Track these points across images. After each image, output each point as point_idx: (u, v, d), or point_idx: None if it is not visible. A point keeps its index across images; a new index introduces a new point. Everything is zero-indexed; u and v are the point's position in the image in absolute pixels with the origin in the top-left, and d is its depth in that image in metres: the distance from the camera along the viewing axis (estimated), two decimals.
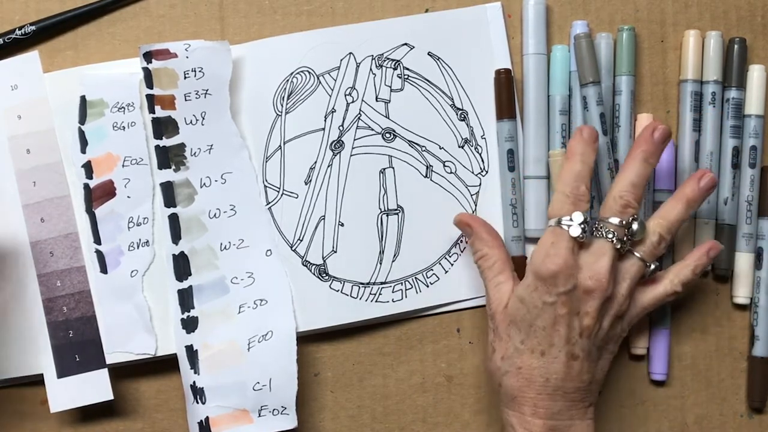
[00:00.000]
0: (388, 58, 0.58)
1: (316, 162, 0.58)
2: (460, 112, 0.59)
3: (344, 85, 0.58)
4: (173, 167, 0.56)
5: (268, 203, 0.58)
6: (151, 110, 0.56)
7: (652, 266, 0.52)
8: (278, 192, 0.58)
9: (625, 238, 0.51)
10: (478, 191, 0.59)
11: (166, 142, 0.56)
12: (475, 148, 0.59)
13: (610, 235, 0.50)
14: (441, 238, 0.58)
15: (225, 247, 0.56)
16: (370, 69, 0.58)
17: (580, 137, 0.53)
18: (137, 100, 0.56)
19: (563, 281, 0.49)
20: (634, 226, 0.51)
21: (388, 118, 0.58)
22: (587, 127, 0.53)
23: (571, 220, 0.50)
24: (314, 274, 0.57)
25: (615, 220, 0.51)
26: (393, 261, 0.58)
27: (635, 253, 0.52)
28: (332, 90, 0.58)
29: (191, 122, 0.56)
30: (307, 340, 0.57)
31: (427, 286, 0.58)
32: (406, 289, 0.58)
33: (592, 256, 0.50)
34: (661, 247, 0.52)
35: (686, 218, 0.53)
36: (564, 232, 0.50)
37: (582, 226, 0.50)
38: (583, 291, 0.50)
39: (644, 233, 0.52)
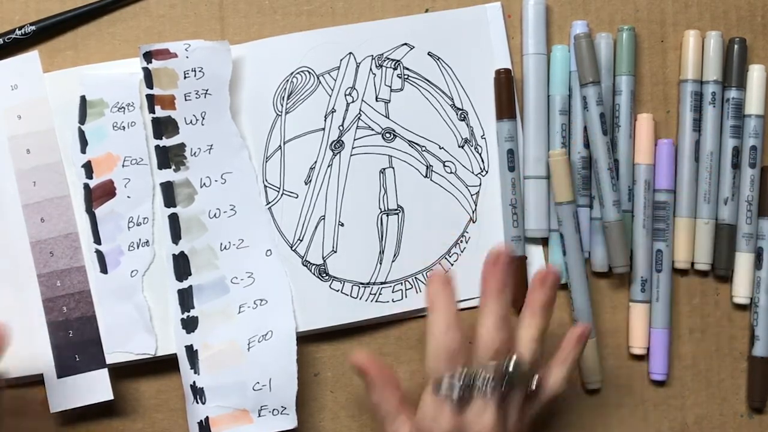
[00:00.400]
0: (388, 58, 0.58)
1: (316, 162, 0.58)
2: (460, 112, 0.59)
3: (344, 85, 0.58)
4: (173, 167, 0.56)
5: (268, 203, 0.58)
6: (151, 110, 0.56)
7: (534, 381, 0.49)
8: (278, 192, 0.58)
9: (504, 381, 0.48)
10: (478, 191, 0.59)
11: (166, 142, 0.56)
12: (475, 148, 0.59)
13: (490, 388, 0.47)
14: (441, 238, 0.58)
15: (225, 247, 0.56)
16: (370, 69, 0.58)
17: (433, 283, 0.50)
18: (137, 100, 0.56)
19: None
20: (511, 366, 0.48)
21: (388, 118, 0.58)
22: (436, 274, 0.51)
23: (450, 381, 0.47)
24: (314, 274, 0.57)
25: (491, 366, 0.48)
26: (393, 261, 0.58)
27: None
28: (332, 90, 0.58)
29: (191, 122, 0.56)
30: (307, 340, 0.57)
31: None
32: (406, 289, 0.58)
33: (476, 413, 0.47)
34: (537, 360, 0.50)
35: (549, 321, 0.51)
36: (443, 401, 0.47)
37: (460, 385, 0.47)
38: None
39: (524, 366, 0.48)
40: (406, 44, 0.59)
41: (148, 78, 0.56)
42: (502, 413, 0.48)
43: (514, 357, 0.48)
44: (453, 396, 0.47)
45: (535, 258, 0.59)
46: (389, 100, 0.58)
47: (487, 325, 0.49)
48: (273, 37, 0.58)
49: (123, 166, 0.56)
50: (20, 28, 0.57)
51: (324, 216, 0.57)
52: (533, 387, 0.49)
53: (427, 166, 0.58)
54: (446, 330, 0.48)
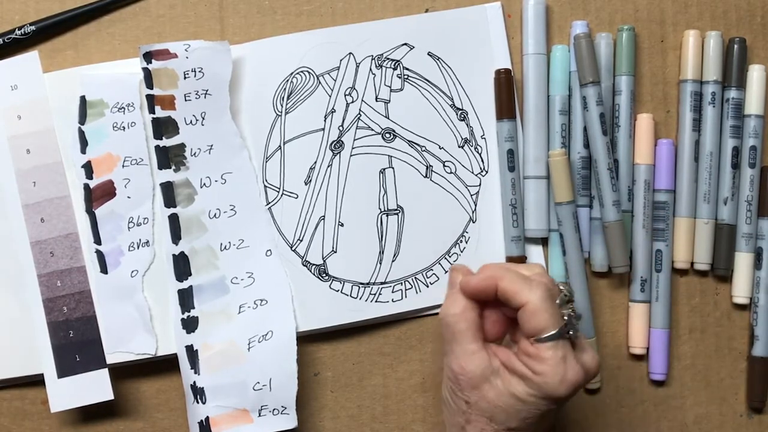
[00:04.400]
0: (387, 58, 0.58)
1: (315, 162, 0.58)
2: (460, 112, 0.59)
3: (344, 85, 0.58)
4: (173, 167, 0.56)
5: (268, 203, 0.58)
6: (151, 110, 0.56)
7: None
8: (278, 192, 0.58)
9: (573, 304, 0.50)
10: (478, 191, 0.59)
11: (166, 142, 0.56)
12: (475, 148, 0.59)
13: (579, 315, 0.50)
14: (441, 238, 0.58)
15: (225, 247, 0.56)
16: (370, 69, 0.58)
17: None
18: (137, 100, 0.56)
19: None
20: (567, 291, 0.50)
21: (388, 118, 0.58)
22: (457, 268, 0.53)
23: (565, 326, 0.48)
24: (314, 274, 0.57)
25: (560, 299, 0.49)
26: (393, 261, 0.58)
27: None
28: (332, 90, 0.58)
29: (191, 122, 0.56)
30: (307, 340, 0.58)
31: (427, 286, 0.58)
32: (406, 289, 0.58)
33: (579, 348, 0.49)
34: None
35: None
36: (563, 345, 0.48)
37: (573, 324, 0.49)
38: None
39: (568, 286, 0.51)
40: (406, 44, 0.59)
41: (148, 78, 0.56)
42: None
43: (561, 285, 0.50)
44: (576, 334, 0.48)
45: (535, 258, 0.59)
46: (389, 100, 0.58)
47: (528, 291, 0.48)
48: (273, 37, 0.58)
49: (123, 166, 0.56)
50: (20, 28, 0.57)
51: (324, 216, 0.57)
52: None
53: (427, 166, 0.58)
54: (547, 290, 0.48)
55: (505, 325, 0.51)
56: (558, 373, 0.47)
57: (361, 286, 0.57)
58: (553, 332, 0.47)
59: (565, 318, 0.48)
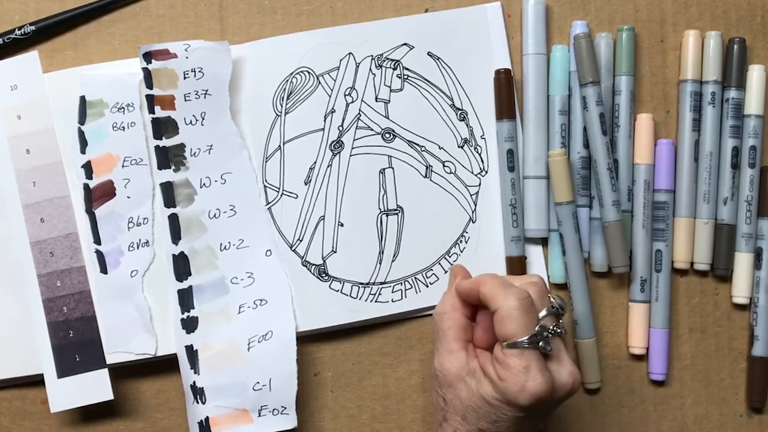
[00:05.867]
0: (387, 58, 0.58)
1: (315, 162, 0.58)
2: (460, 112, 0.59)
3: (344, 85, 0.58)
4: (173, 167, 0.56)
5: (268, 203, 0.58)
6: (151, 110, 0.56)
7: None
8: (278, 192, 0.58)
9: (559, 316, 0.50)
10: (478, 191, 0.59)
11: (165, 142, 0.56)
12: (475, 148, 0.59)
13: (558, 330, 0.49)
14: (441, 238, 0.58)
15: (225, 247, 0.56)
16: (370, 69, 0.58)
17: (457, 272, 0.55)
18: (137, 100, 0.56)
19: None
20: (556, 301, 0.50)
21: (388, 118, 0.58)
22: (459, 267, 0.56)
23: (537, 336, 0.48)
24: (314, 274, 0.57)
25: (544, 312, 0.49)
26: (393, 261, 0.58)
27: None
28: (332, 90, 0.58)
29: (191, 122, 0.56)
30: (307, 340, 0.58)
31: (427, 286, 0.58)
32: (405, 289, 0.58)
33: (556, 355, 0.49)
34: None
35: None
36: (531, 355, 0.47)
37: (546, 334, 0.48)
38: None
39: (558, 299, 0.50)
40: (405, 44, 0.59)
41: (148, 78, 0.56)
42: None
43: (551, 296, 0.50)
44: (547, 347, 0.48)
45: (535, 258, 0.59)
46: (389, 101, 0.58)
47: (509, 296, 0.48)
48: (273, 37, 0.58)
49: (123, 166, 0.56)
50: (20, 28, 0.57)
51: (324, 216, 0.57)
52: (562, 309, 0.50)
53: (426, 166, 0.58)
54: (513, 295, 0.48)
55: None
56: (518, 382, 0.47)
57: (360, 286, 0.57)
58: (519, 340, 0.47)
59: (536, 328, 0.47)
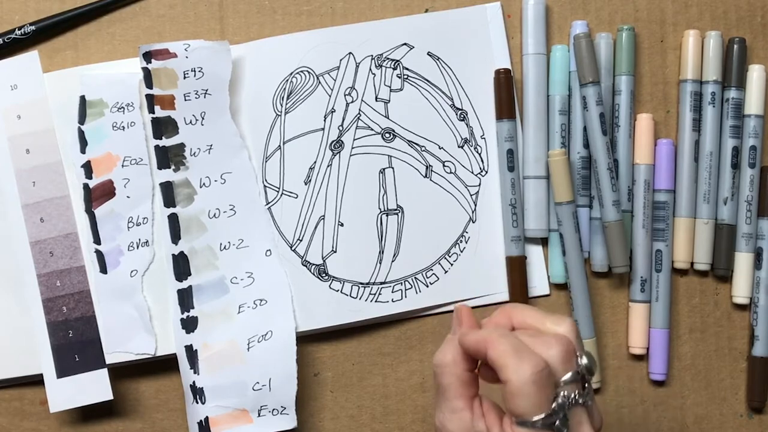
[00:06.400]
0: (387, 58, 0.58)
1: (315, 162, 0.58)
2: (460, 112, 0.59)
3: (344, 85, 0.58)
4: (173, 167, 0.56)
5: (268, 203, 0.58)
6: (151, 110, 0.56)
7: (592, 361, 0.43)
8: (278, 192, 0.58)
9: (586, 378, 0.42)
10: (478, 191, 0.59)
11: (165, 142, 0.56)
12: (475, 148, 0.59)
13: (580, 399, 0.41)
14: (441, 238, 0.58)
15: (225, 247, 0.56)
16: (370, 69, 0.58)
17: (466, 321, 0.45)
18: (137, 100, 0.56)
19: None
20: (585, 361, 0.42)
21: (388, 118, 0.58)
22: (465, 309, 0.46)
23: (551, 416, 0.40)
24: (314, 274, 0.57)
25: (568, 377, 0.41)
26: (393, 261, 0.58)
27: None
28: (332, 90, 0.58)
29: (191, 122, 0.56)
30: (307, 340, 0.57)
31: (427, 286, 0.58)
32: (405, 289, 0.58)
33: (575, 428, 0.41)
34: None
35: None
36: None
37: (563, 415, 0.40)
38: None
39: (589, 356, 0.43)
40: (405, 44, 0.59)
41: (148, 78, 0.56)
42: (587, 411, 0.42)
43: (580, 355, 0.42)
44: (563, 429, 0.40)
45: (535, 258, 0.59)
46: (389, 100, 0.58)
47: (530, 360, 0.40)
48: (273, 37, 0.58)
49: (123, 166, 0.56)
50: (20, 28, 0.57)
51: (324, 216, 0.57)
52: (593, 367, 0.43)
53: (426, 166, 0.58)
54: (530, 364, 0.40)
55: None
56: None
57: (360, 286, 0.57)
58: (532, 420, 0.40)
59: (554, 406, 0.40)
